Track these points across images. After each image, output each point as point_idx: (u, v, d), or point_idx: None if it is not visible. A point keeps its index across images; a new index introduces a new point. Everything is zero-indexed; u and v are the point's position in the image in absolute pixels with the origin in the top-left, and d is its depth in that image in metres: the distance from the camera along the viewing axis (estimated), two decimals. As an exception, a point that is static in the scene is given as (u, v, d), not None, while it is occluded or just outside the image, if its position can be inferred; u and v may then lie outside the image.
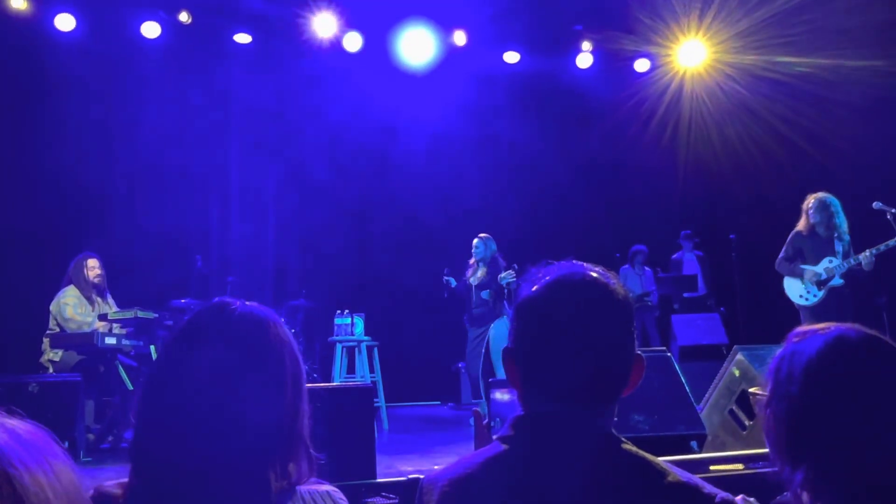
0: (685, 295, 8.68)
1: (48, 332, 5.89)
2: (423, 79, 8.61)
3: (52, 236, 7.44)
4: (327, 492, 1.18)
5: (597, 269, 1.25)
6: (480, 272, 7.07)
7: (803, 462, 1.16)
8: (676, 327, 7.64)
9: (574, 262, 1.26)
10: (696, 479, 1.09)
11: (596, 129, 9.29)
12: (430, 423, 7.51)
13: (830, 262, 6.07)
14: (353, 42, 8.36)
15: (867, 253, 5.90)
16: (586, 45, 8.87)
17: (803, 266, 6.14)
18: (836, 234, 6.10)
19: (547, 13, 8.56)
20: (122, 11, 7.83)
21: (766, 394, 1.29)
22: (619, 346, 1.20)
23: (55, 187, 7.67)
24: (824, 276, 6.07)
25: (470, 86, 8.81)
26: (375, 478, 3.69)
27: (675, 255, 8.94)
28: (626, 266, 8.87)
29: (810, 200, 6.20)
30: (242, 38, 8.32)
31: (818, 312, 5.95)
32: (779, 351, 1.31)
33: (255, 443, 1.04)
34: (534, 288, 1.22)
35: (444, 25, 8.48)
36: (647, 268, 8.85)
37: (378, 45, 8.48)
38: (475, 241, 7.28)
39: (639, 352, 1.23)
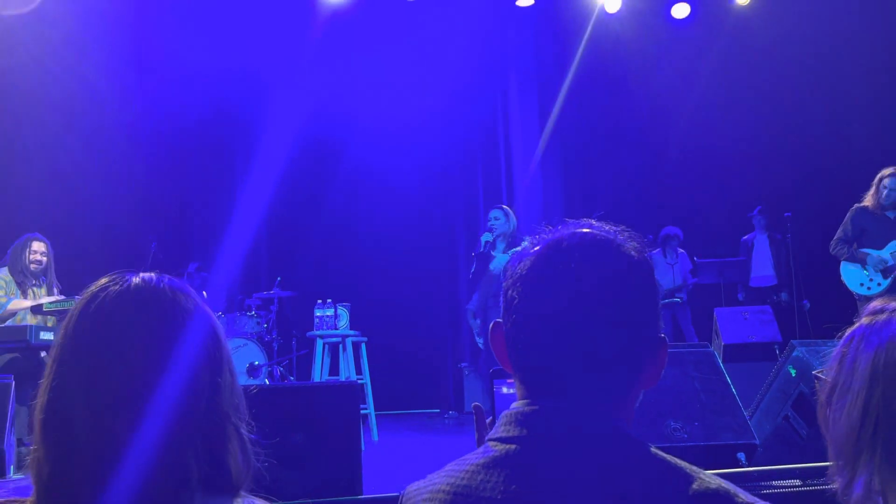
0: (752, 284, 8.69)
1: (-29, 326, 5.89)
2: (413, 37, 8.64)
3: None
4: None
5: (608, 227, 1.18)
6: (501, 250, 6.75)
7: (863, 472, 1.14)
8: (721, 322, 7.58)
9: (584, 220, 1.20)
10: (730, 485, 1.04)
11: (626, 86, 9.23)
12: (427, 434, 7.52)
13: None
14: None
15: None
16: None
17: (866, 250, 6.09)
18: None
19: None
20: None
21: (827, 381, 1.27)
22: (633, 323, 1.13)
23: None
24: (891, 263, 6.01)
25: (467, 35, 8.81)
26: (362, 494, 3.65)
27: (745, 237, 8.94)
28: (657, 252, 8.84)
29: (886, 174, 6.15)
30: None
31: None
32: (848, 332, 1.26)
33: (168, 424, 1.09)
34: (526, 252, 1.17)
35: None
36: (681, 250, 8.84)
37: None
38: (494, 211, 6.89)
39: (662, 335, 1.16)
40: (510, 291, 1.17)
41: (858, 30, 8.12)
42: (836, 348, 1.28)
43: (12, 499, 1.12)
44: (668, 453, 1.09)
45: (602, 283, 1.12)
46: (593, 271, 1.12)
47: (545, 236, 1.18)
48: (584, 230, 1.17)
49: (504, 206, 6.94)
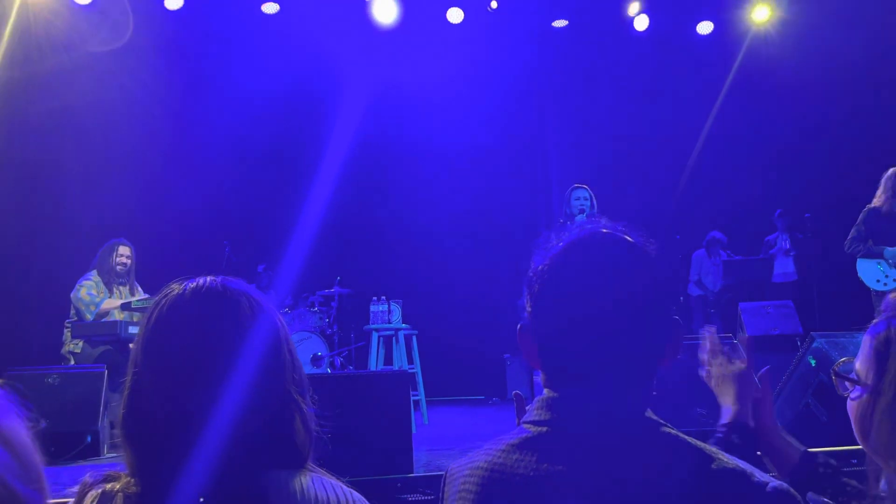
0: (775, 281, 8.64)
1: (68, 321, 6.10)
2: (462, 47, 8.70)
3: (74, 222, 7.69)
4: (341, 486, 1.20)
5: (621, 226, 1.20)
6: None
7: None
8: (745, 316, 7.59)
9: (598, 220, 1.23)
10: (746, 464, 1.06)
11: (654, 96, 9.27)
12: (474, 418, 7.54)
13: None
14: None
15: None
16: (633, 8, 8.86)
17: (882, 246, 6.10)
18: None
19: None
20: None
21: (861, 375, 1.19)
22: (648, 312, 1.14)
23: (76, 172, 7.94)
24: None
25: (509, 53, 8.91)
26: (413, 472, 3.76)
27: (769, 237, 8.88)
28: (701, 251, 8.86)
29: (890, 173, 6.14)
30: (270, 7, 8.59)
31: None
32: (872, 325, 1.21)
33: (235, 409, 1.13)
34: (546, 254, 1.20)
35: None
36: (724, 253, 8.76)
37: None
38: (582, 191, 6.20)
39: (676, 317, 1.17)
40: (536, 288, 1.19)
41: (874, 39, 8.03)
42: (865, 347, 1.19)
43: (111, 471, 1.18)
44: (696, 437, 1.10)
45: (619, 276, 1.14)
46: (610, 266, 1.14)
47: (562, 238, 1.20)
48: (601, 230, 1.18)
49: (586, 186, 6.30)
